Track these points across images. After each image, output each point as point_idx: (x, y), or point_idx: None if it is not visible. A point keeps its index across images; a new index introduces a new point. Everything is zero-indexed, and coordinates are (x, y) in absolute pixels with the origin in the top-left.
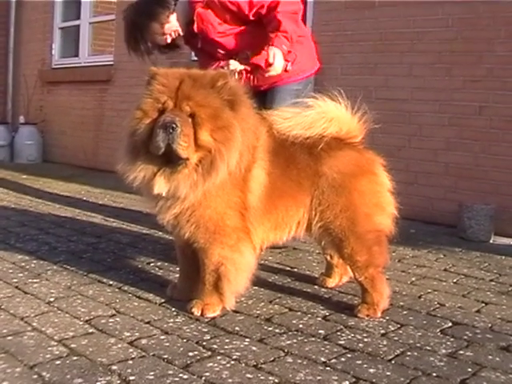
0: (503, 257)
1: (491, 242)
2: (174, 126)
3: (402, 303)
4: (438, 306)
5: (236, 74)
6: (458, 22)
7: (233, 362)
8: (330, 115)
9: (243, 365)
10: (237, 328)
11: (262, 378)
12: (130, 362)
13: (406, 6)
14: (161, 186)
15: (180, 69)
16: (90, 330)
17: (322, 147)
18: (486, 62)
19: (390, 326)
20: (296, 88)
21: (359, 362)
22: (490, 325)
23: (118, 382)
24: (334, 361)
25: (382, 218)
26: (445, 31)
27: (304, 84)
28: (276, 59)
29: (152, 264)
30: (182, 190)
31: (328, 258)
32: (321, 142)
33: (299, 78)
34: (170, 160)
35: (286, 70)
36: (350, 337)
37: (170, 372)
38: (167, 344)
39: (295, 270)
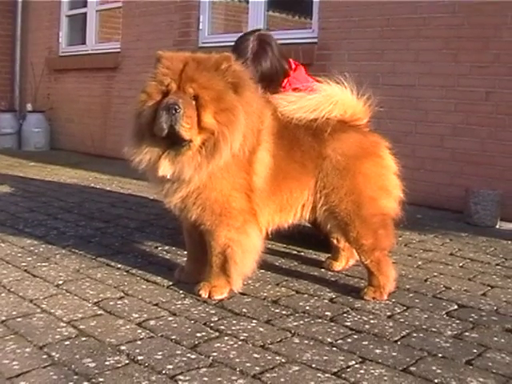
0: (509, 241)
1: (497, 227)
2: (177, 107)
3: (408, 286)
4: (443, 289)
5: None
6: (464, 7)
7: (240, 343)
8: (335, 98)
9: (250, 345)
10: (244, 310)
11: (269, 357)
12: (139, 342)
13: None
14: (165, 168)
15: (185, 52)
16: (99, 312)
17: (325, 129)
18: (492, 47)
19: (396, 308)
20: None
21: (365, 342)
22: (495, 307)
23: (127, 361)
24: (340, 341)
25: (388, 201)
26: (451, 17)
27: None
28: None
29: (159, 248)
30: (186, 172)
31: (334, 241)
32: (325, 124)
33: None
34: (174, 142)
35: None
36: (356, 318)
37: (178, 352)
38: (175, 325)
39: (302, 253)
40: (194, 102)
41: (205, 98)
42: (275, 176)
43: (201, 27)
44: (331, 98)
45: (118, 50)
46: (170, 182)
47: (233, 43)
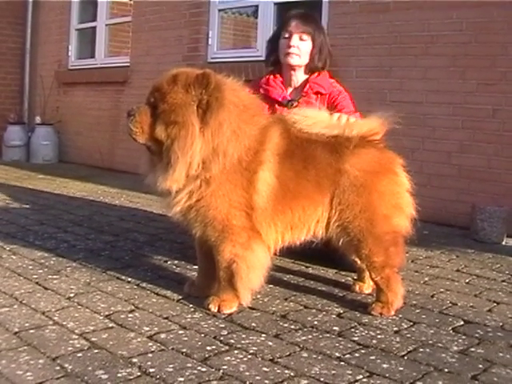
0: None
1: (504, 243)
2: (132, 113)
3: (415, 302)
4: (450, 305)
5: None
6: (472, 25)
7: (250, 356)
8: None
9: (260, 359)
10: (253, 324)
11: (278, 371)
12: (150, 355)
13: (421, 10)
14: (149, 177)
15: (194, 69)
16: (110, 325)
17: (344, 145)
18: (499, 65)
19: (403, 324)
20: None
21: (373, 357)
22: (501, 323)
23: (139, 373)
24: (348, 356)
25: (400, 219)
26: (459, 35)
27: None
28: None
29: (169, 262)
30: (159, 180)
31: (358, 262)
32: (346, 139)
33: None
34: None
35: None
36: (363, 333)
37: (189, 365)
38: (185, 338)
39: (310, 269)
40: (150, 110)
41: (159, 109)
42: (283, 195)
43: (210, 42)
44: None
45: (127, 64)
46: (169, 196)
47: (243, 58)
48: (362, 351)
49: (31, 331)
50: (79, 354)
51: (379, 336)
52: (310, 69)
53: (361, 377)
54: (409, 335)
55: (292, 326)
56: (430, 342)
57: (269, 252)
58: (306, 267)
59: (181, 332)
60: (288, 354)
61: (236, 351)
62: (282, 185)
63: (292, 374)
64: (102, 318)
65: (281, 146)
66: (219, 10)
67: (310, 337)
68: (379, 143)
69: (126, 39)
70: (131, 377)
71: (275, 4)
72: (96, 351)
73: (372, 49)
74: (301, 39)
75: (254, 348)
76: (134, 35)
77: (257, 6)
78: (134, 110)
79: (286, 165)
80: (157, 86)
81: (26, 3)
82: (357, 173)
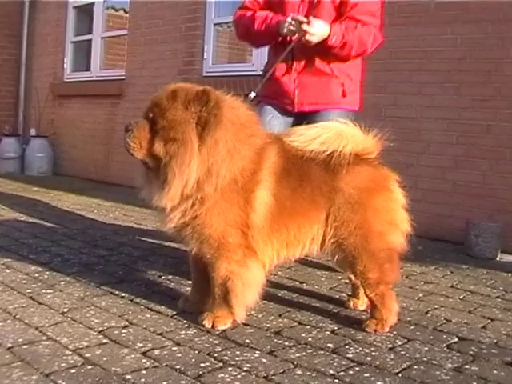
0: (509, 274)
1: (498, 259)
2: (129, 128)
3: (409, 318)
4: (444, 321)
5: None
6: (466, 41)
7: (244, 373)
8: (345, 134)
9: (254, 376)
10: (247, 340)
11: None
12: (144, 371)
13: (416, 26)
14: (144, 191)
15: (194, 85)
16: (104, 341)
17: (338, 163)
18: (494, 81)
19: (397, 341)
20: (346, 117)
21: (367, 374)
22: (495, 340)
23: None
24: (342, 373)
25: (395, 235)
26: (454, 51)
27: (351, 117)
28: (316, 25)
29: (163, 277)
30: (154, 197)
31: (352, 278)
32: (340, 158)
33: (350, 108)
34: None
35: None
36: (358, 350)
37: (183, 382)
38: (179, 355)
39: (304, 284)
40: (148, 126)
41: (158, 125)
42: (279, 214)
43: (205, 56)
44: (342, 134)
45: (123, 77)
46: (163, 211)
47: (238, 72)
48: (357, 368)
49: (24, 346)
50: (73, 371)
51: (373, 353)
52: None
53: None
54: (403, 352)
55: (286, 343)
56: (425, 359)
57: (264, 269)
58: (300, 283)
59: (175, 348)
60: (282, 371)
61: (230, 368)
62: (278, 203)
63: None
64: (95, 333)
65: (278, 164)
66: (215, 24)
67: (304, 354)
68: (374, 160)
69: (122, 52)
70: None
71: None
72: (89, 367)
73: (367, 64)
74: None
75: (248, 365)
76: (130, 48)
77: None
78: (132, 125)
79: (283, 183)
80: (156, 102)
81: (22, 15)
82: (351, 190)
